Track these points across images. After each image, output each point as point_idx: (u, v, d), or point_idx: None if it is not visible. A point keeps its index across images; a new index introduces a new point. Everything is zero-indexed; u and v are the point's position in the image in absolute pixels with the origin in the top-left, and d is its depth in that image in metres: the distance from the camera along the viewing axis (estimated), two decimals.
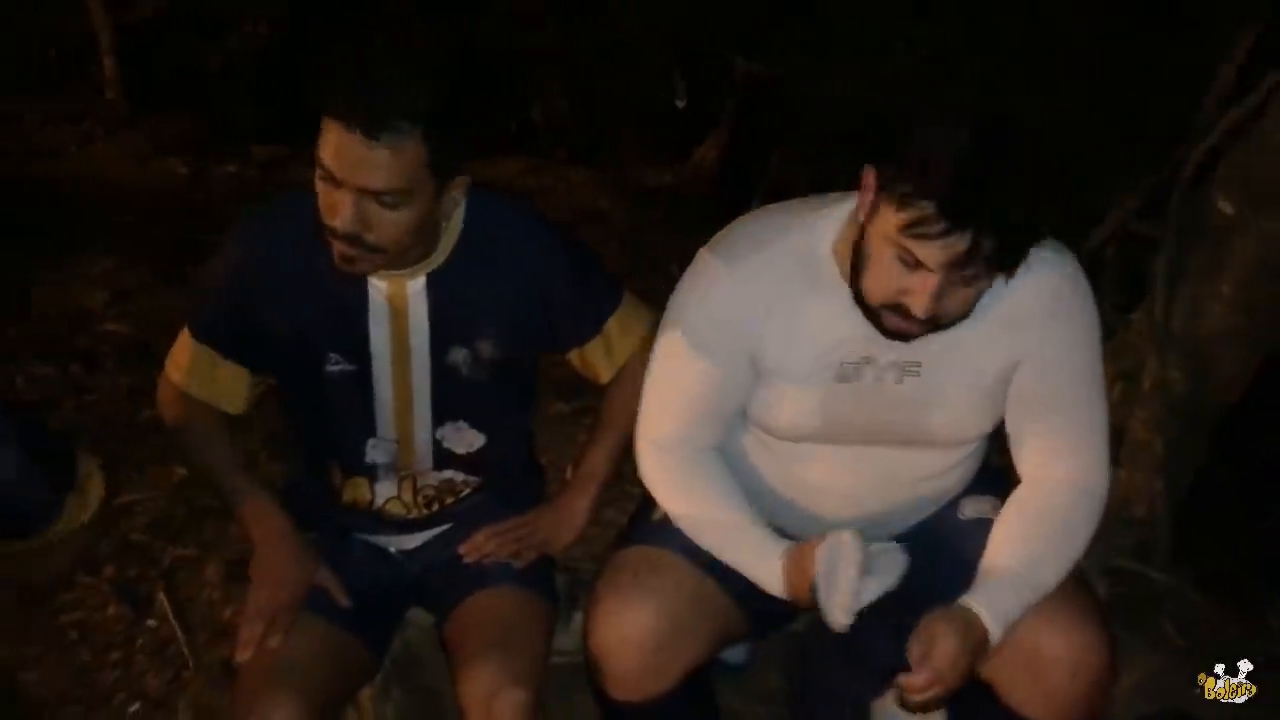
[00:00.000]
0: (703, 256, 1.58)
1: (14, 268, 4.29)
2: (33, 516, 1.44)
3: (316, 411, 1.69)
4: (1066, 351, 1.53)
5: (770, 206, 1.62)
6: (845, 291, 1.48)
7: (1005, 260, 1.35)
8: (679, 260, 1.67)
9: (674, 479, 1.62)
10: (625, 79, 5.88)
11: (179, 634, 2.40)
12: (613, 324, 1.74)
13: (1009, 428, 1.60)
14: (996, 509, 1.61)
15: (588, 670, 1.61)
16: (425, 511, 1.75)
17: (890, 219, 1.35)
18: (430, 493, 1.74)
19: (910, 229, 1.33)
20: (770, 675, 2.07)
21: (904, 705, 1.54)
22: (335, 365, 1.63)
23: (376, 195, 1.43)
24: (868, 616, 1.46)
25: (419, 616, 1.83)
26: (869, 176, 1.41)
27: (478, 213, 1.60)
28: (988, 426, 1.61)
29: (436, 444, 1.70)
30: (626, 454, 1.80)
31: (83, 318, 4.00)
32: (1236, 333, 2.20)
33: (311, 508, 1.75)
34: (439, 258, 1.60)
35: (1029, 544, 1.52)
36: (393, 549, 1.78)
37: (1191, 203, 2.23)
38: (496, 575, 1.69)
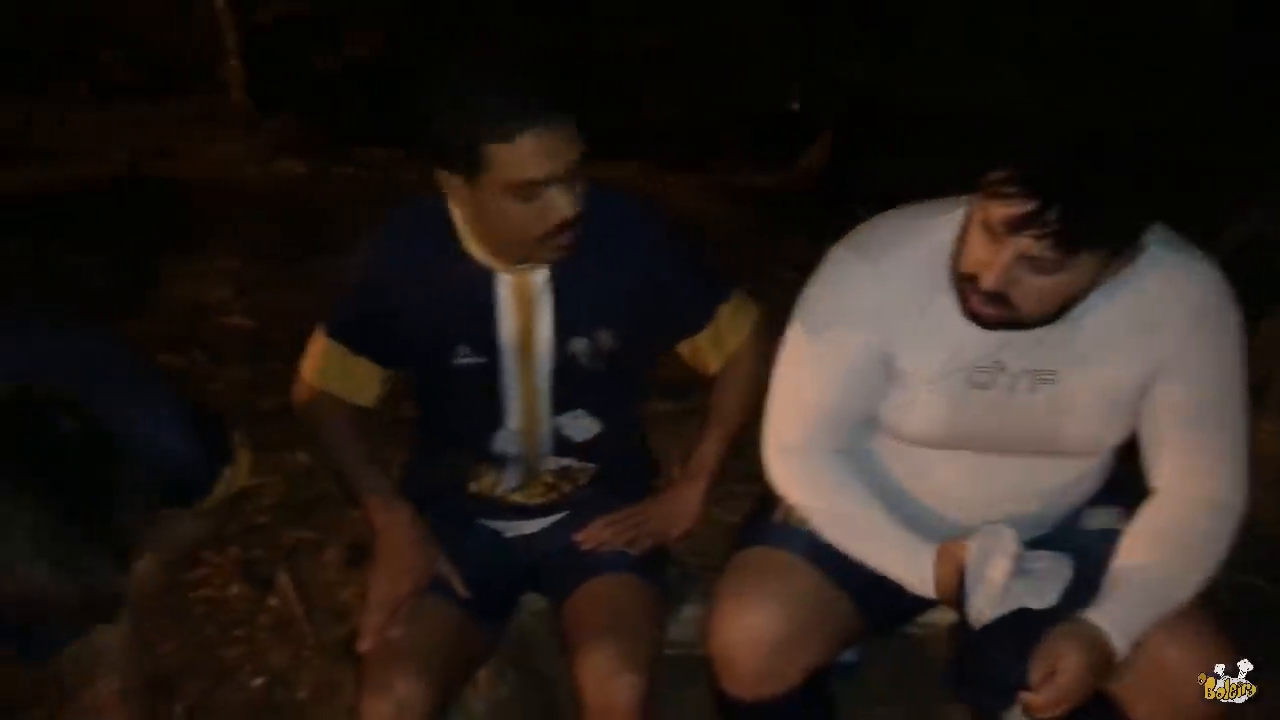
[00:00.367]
0: (834, 255, 1.57)
1: (144, 263, 4.50)
2: (196, 484, 1.53)
3: (445, 403, 1.75)
4: (1209, 362, 1.49)
5: (901, 208, 1.61)
6: None
7: (1066, 237, 1.30)
8: (786, 264, 1.69)
9: (808, 483, 1.61)
10: (730, 84, 5.91)
11: (300, 613, 2.49)
12: (723, 314, 1.77)
13: (1144, 439, 1.55)
14: (1122, 520, 1.57)
15: (708, 669, 1.62)
16: (545, 499, 1.80)
17: (985, 180, 1.36)
18: (550, 480, 1.78)
19: (989, 187, 1.33)
20: (880, 676, 2.07)
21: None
22: (464, 358, 1.69)
23: (570, 175, 1.48)
24: (1001, 632, 1.44)
25: (532, 601, 1.87)
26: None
27: (594, 205, 1.62)
28: (1120, 438, 1.57)
29: (556, 432, 1.74)
30: (734, 448, 1.83)
31: (207, 311, 4.17)
32: None
33: (434, 493, 1.81)
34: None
35: (1161, 560, 1.48)
36: (511, 534, 1.82)
37: None
38: (611, 563, 1.72)
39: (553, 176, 1.47)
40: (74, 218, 4.85)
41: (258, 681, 2.34)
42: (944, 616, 1.83)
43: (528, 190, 1.47)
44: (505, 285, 1.65)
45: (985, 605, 1.43)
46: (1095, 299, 1.43)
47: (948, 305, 1.48)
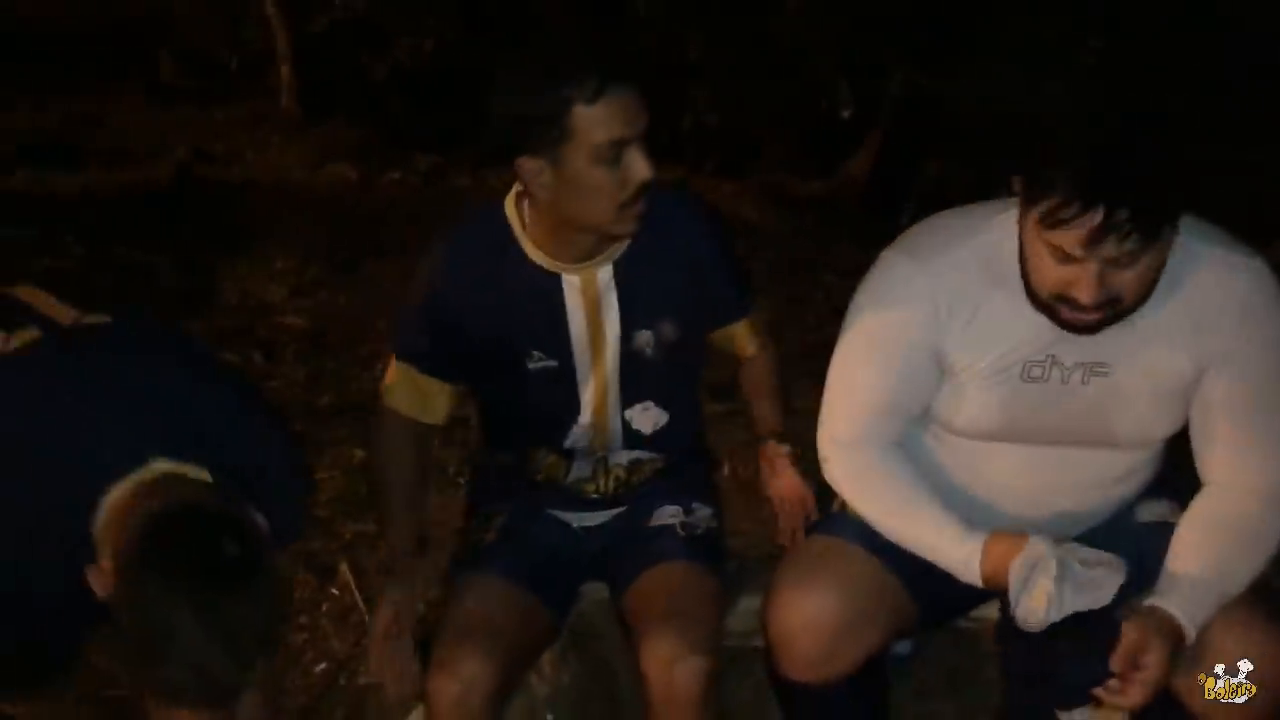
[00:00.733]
0: (885, 258, 1.61)
1: (201, 263, 4.60)
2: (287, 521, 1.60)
3: (518, 405, 1.80)
4: (1257, 356, 1.51)
5: (948, 211, 1.65)
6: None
7: (1146, 226, 1.34)
8: (831, 269, 1.74)
9: (860, 476, 1.65)
10: (773, 91, 5.94)
11: (360, 603, 2.55)
12: (754, 304, 1.88)
13: (1194, 431, 1.58)
14: (1175, 513, 1.60)
15: (766, 652, 1.65)
16: (613, 491, 1.85)
17: (1031, 217, 1.39)
18: (621, 473, 1.84)
19: (1047, 221, 1.36)
20: (931, 671, 2.09)
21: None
22: (537, 363, 1.74)
23: (639, 140, 1.55)
24: (1067, 632, 1.48)
25: (593, 591, 1.91)
26: (1016, 185, 1.44)
27: (649, 201, 1.66)
28: (1171, 430, 1.60)
29: (626, 425, 1.79)
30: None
31: (264, 310, 4.26)
32: None
33: (504, 486, 1.87)
34: (621, 246, 1.70)
35: (1218, 549, 1.51)
36: (577, 525, 1.87)
37: None
38: (673, 551, 1.76)
39: (634, 135, 1.53)
40: (133, 219, 4.97)
41: (321, 667, 2.41)
42: (995, 610, 1.87)
43: (612, 152, 1.53)
44: (571, 286, 1.71)
45: (1031, 621, 1.45)
46: None
47: (1000, 302, 1.52)
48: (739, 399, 2.06)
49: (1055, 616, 1.46)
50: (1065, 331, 1.48)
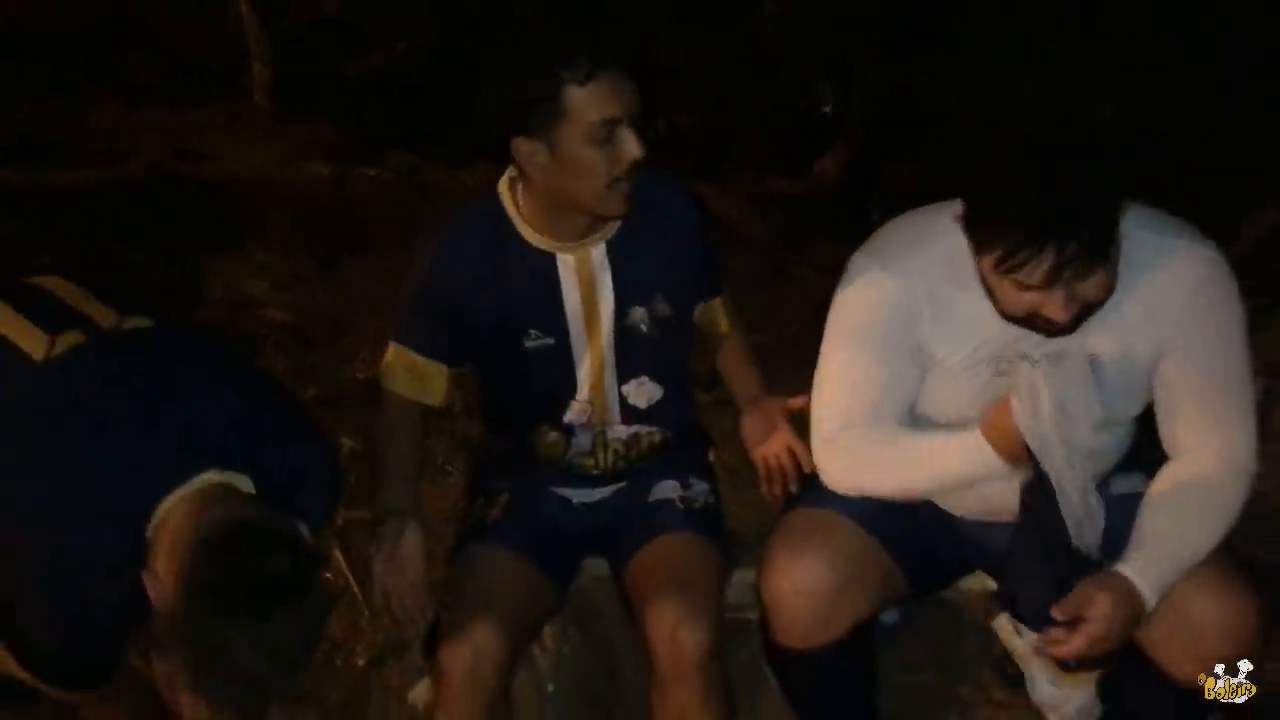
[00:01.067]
0: (854, 262, 1.67)
1: (183, 259, 4.61)
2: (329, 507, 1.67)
3: (517, 384, 1.86)
4: (1211, 337, 1.58)
5: (909, 213, 1.70)
6: None
7: (1097, 251, 1.41)
8: (808, 265, 1.81)
9: (853, 456, 1.67)
10: (749, 91, 6.02)
11: (354, 586, 2.59)
12: (723, 283, 1.97)
13: (1158, 408, 1.65)
14: (1146, 484, 1.66)
15: (760, 618, 1.72)
16: (613, 465, 1.91)
17: (984, 259, 1.46)
18: (619, 447, 1.89)
19: (1001, 267, 1.43)
20: (918, 643, 2.17)
21: (1063, 668, 1.63)
22: (534, 341, 1.79)
23: (630, 120, 1.61)
24: (1044, 561, 1.55)
25: (594, 566, 1.97)
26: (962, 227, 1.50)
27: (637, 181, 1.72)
28: (1137, 410, 1.67)
29: (623, 400, 1.85)
30: None
31: (246, 304, 4.28)
32: None
33: (506, 463, 1.93)
34: (613, 226, 1.77)
35: (1180, 515, 1.58)
36: (578, 501, 1.93)
37: None
38: (674, 523, 1.83)
39: (625, 115, 1.60)
40: (112, 216, 4.96)
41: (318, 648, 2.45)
42: (980, 583, 1.95)
43: (604, 131, 1.59)
44: (566, 265, 1.77)
45: (1050, 433, 1.48)
46: None
47: (966, 303, 1.57)
48: (723, 386, 2.13)
49: (1064, 432, 1.49)
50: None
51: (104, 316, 1.56)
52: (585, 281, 1.78)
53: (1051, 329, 1.51)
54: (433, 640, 1.77)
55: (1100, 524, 1.57)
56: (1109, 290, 1.48)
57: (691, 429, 2.01)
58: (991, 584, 1.94)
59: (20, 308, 1.55)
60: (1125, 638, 1.56)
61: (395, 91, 6.94)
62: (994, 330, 1.58)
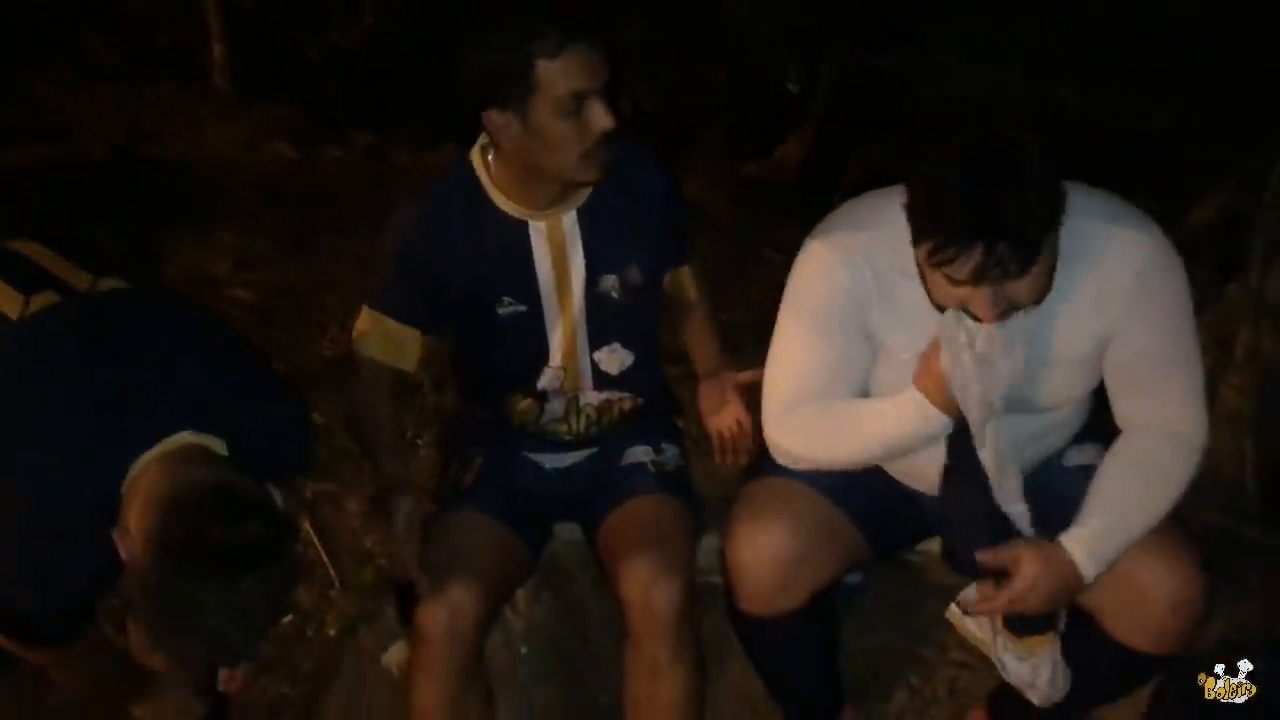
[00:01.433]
0: (806, 247, 1.68)
1: (145, 239, 4.58)
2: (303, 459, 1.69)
3: (490, 350, 1.89)
4: (1158, 321, 1.60)
5: (870, 193, 1.71)
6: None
7: (1024, 254, 1.41)
8: (773, 247, 1.85)
9: (801, 430, 1.69)
10: (714, 74, 6.05)
11: (324, 558, 2.61)
12: (692, 251, 2.02)
13: (1109, 386, 1.68)
14: (1100, 456, 1.69)
15: (724, 586, 1.75)
16: (585, 431, 1.94)
17: (919, 249, 1.48)
18: (592, 413, 1.93)
19: (932, 259, 1.45)
20: (874, 604, 2.22)
21: (1010, 629, 1.68)
22: (507, 307, 1.82)
23: (605, 90, 1.64)
24: (980, 517, 1.60)
25: (565, 531, 2.01)
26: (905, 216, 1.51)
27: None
28: (1087, 389, 1.70)
29: (595, 366, 1.89)
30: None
31: (210, 283, 4.26)
32: None
33: (481, 430, 1.96)
34: (585, 193, 1.80)
35: (1128, 488, 1.61)
36: (550, 466, 1.97)
37: None
38: (645, 486, 1.87)
39: (595, 87, 1.63)
40: (70, 194, 4.90)
41: (287, 619, 2.47)
42: (940, 545, 2.00)
43: (574, 103, 1.62)
44: (538, 232, 1.80)
45: (969, 380, 1.52)
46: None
47: (910, 290, 1.58)
48: (689, 360, 2.17)
49: (987, 380, 1.52)
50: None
51: (78, 278, 1.57)
52: (557, 249, 1.81)
53: (988, 320, 1.51)
54: (407, 604, 1.80)
55: (1017, 484, 1.61)
56: (1040, 293, 1.49)
57: (662, 394, 2.04)
58: None
59: None
60: (1058, 603, 1.60)
61: (357, 72, 6.90)
62: (936, 314, 1.58)
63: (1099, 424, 1.79)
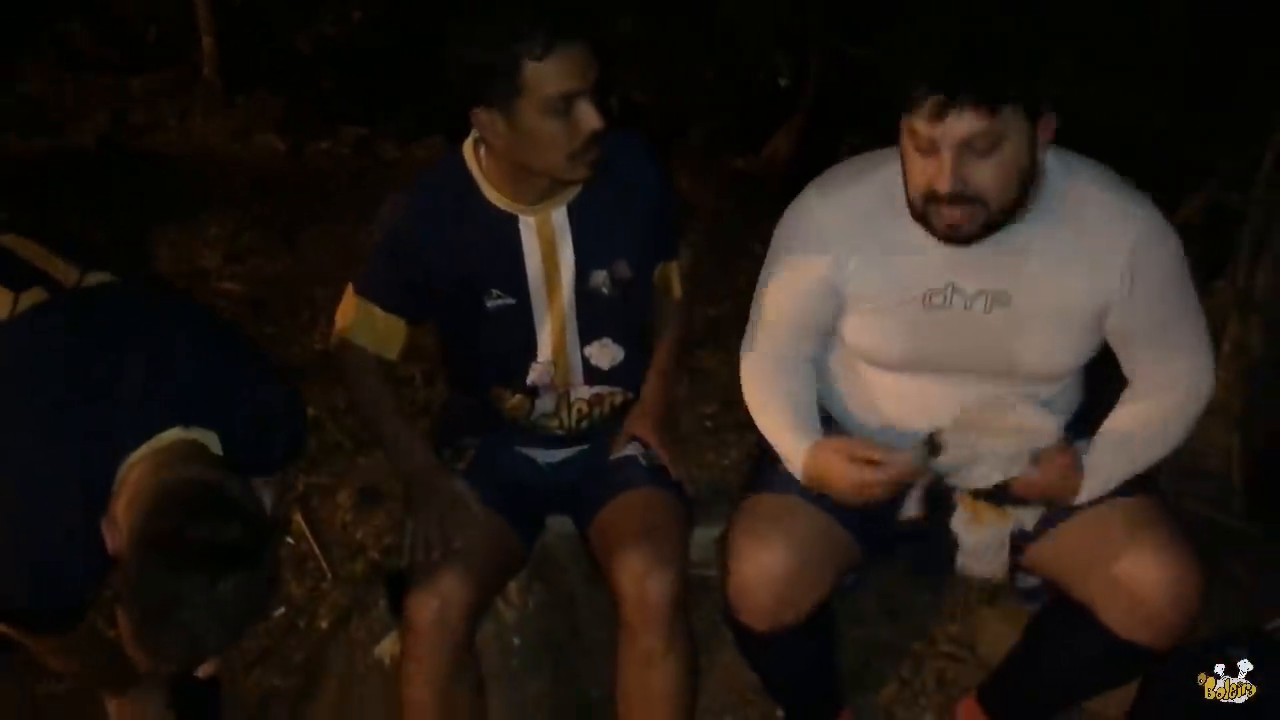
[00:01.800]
0: (804, 190, 1.74)
1: (133, 231, 4.56)
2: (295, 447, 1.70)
3: (479, 344, 1.88)
4: (1158, 294, 1.64)
5: (868, 153, 1.75)
6: None
7: (984, 97, 1.45)
8: (761, 240, 1.86)
9: (754, 377, 1.81)
10: (704, 67, 6.04)
11: (316, 550, 2.61)
12: (680, 245, 2.00)
13: (1120, 358, 1.72)
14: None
15: (726, 603, 1.75)
16: (576, 425, 1.94)
17: (903, 124, 1.53)
18: (583, 407, 1.93)
19: (906, 106, 1.50)
20: (866, 598, 2.24)
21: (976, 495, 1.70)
22: (496, 301, 1.82)
23: (594, 89, 1.64)
24: None
25: (557, 524, 2.01)
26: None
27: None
28: (1076, 362, 1.71)
29: (585, 361, 1.89)
30: (725, 405, 1.99)
31: (200, 276, 4.25)
32: None
33: (472, 421, 1.96)
34: (576, 188, 1.80)
35: (1136, 430, 1.67)
36: (542, 461, 1.97)
37: (1277, 178, 2.37)
38: (638, 479, 1.87)
39: (583, 88, 1.62)
40: (58, 186, 4.89)
41: (279, 612, 2.47)
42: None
43: (562, 104, 1.62)
44: (528, 227, 1.79)
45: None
46: (1039, 226, 1.59)
47: (900, 232, 1.63)
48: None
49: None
50: (960, 257, 1.60)
51: (66, 273, 1.57)
52: (546, 243, 1.81)
53: (948, 228, 1.55)
54: (398, 596, 1.80)
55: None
56: (1005, 193, 1.52)
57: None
58: None
59: None
60: (1045, 497, 1.67)
61: (346, 65, 6.87)
62: (924, 262, 1.63)
63: (1094, 416, 1.78)
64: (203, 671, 1.79)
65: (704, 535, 2.04)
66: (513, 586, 2.00)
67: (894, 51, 1.54)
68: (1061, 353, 1.69)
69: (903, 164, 1.58)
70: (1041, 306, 1.63)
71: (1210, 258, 2.53)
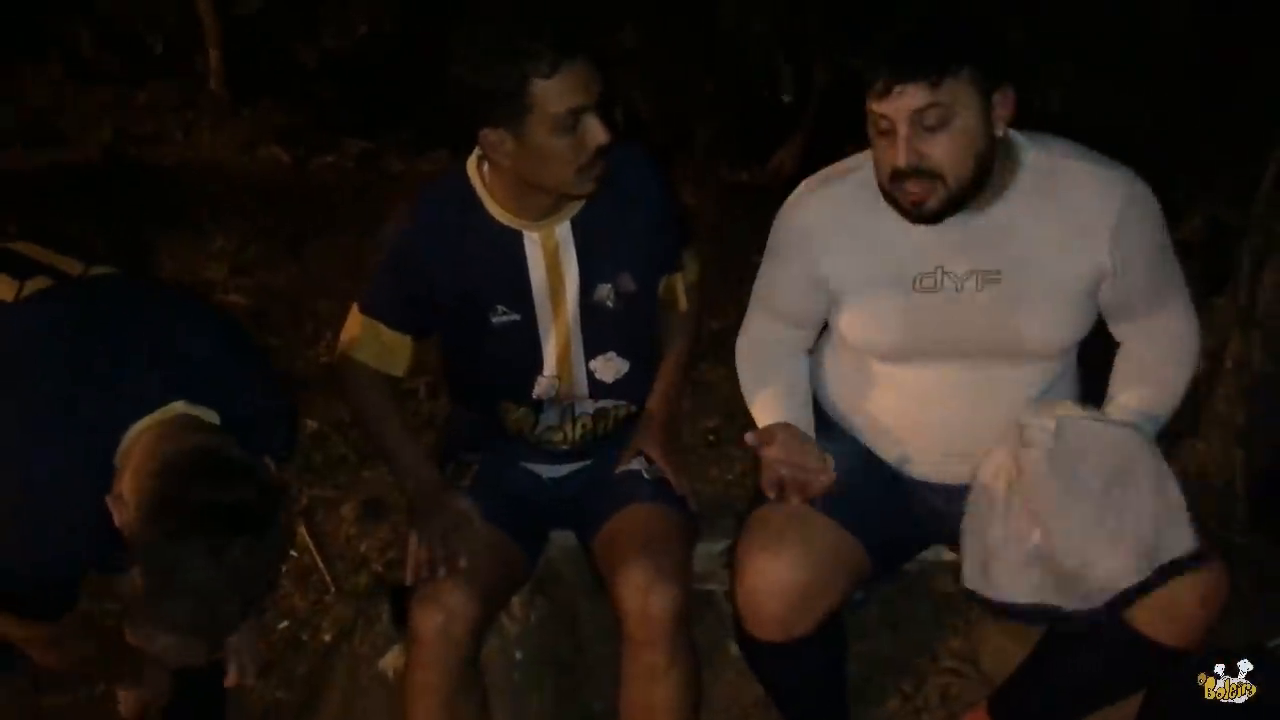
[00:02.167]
0: (801, 184, 1.80)
1: (138, 242, 4.58)
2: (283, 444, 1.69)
3: (484, 359, 1.89)
4: (1147, 259, 1.68)
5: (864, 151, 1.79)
6: None
7: (925, 71, 1.51)
8: (763, 251, 1.89)
9: (745, 358, 1.91)
10: (706, 79, 6.05)
11: (319, 564, 2.62)
12: (688, 254, 2.00)
13: (1108, 319, 1.75)
14: None
15: (735, 614, 1.75)
16: (580, 440, 1.95)
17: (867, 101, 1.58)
18: (587, 421, 1.94)
19: (865, 90, 1.55)
20: (870, 611, 2.24)
21: None
22: (501, 316, 1.83)
23: (595, 107, 1.65)
24: None
25: (560, 539, 2.02)
26: None
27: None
28: (1074, 335, 1.72)
29: (590, 375, 1.89)
30: (729, 416, 2.01)
31: (205, 288, 4.26)
32: None
33: (475, 436, 1.97)
34: (579, 203, 1.80)
35: (1141, 391, 1.71)
36: (546, 476, 1.98)
37: (1277, 195, 2.38)
38: (641, 493, 1.87)
39: (589, 103, 1.64)
40: (63, 197, 4.92)
41: (283, 625, 2.48)
42: (936, 554, 2.02)
43: (570, 120, 1.63)
44: (532, 242, 1.80)
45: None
46: (1021, 202, 1.63)
47: (881, 222, 1.66)
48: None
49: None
50: (946, 240, 1.63)
51: (71, 266, 1.60)
52: (550, 258, 1.82)
53: (912, 205, 1.58)
54: (402, 609, 1.81)
55: None
56: (961, 166, 1.56)
57: None
58: (948, 555, 2.01)
59: None
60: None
61: (350, 78, 6.90)
62: (911, 247, 1.66)
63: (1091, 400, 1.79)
64: (230, 678, 1.78)
65: (706, 550, 2.04)
66: (515, 601, 2.01)
67: (856, 42, 1.60)
68: (1059, 326, 1.70)
69: (872, 151, 1.63)
70: (1033, 281, 1.66)
71: (1211, 275, 2.54)
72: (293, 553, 2.66)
